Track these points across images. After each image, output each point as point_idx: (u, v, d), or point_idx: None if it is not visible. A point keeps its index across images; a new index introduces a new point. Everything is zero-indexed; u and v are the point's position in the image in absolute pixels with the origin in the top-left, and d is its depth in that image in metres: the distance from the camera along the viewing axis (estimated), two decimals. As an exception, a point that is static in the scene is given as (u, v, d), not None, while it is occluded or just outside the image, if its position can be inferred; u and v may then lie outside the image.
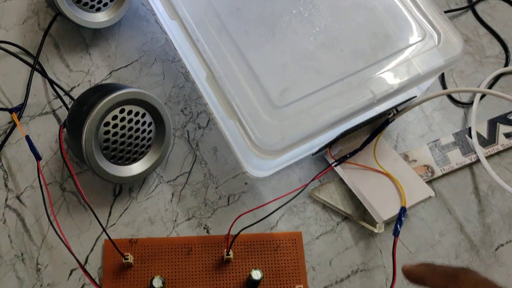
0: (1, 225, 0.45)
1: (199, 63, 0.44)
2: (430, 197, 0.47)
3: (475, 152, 0.52)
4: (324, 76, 0.44)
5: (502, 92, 0.46)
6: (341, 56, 0.45)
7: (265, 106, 0.42)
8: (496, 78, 0.58)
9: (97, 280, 0.44)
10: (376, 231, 0.48)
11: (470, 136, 0.53)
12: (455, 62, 0.46)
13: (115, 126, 0.43)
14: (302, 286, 0.44)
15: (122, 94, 0.43)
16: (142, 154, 0.46)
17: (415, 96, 0.46)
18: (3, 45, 0.50)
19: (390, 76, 0.44)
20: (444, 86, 0.57)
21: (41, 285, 0.43)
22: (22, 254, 0.44)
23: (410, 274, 0.35)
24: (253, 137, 0.41)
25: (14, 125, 0.49)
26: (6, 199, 0.46)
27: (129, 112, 0.44)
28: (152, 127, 0.46)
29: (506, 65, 0.58)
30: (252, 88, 0.42)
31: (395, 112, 0.48)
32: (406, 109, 0.47)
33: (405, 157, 0.51)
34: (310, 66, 0.44)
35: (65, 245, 0.40)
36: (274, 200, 0.46)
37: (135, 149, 0.45)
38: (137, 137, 0.45)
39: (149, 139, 0.46)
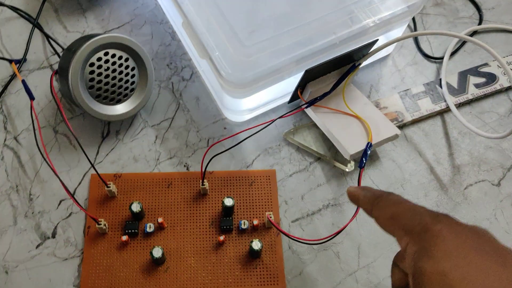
0: (-1, 161, 0.49)
1: (177, 12, 0.48)
2: (396, 135, 0.50)
3: (445, 100, 0.55)
4: (290, 20, 0.47)
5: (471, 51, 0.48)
6: (307, 2, 0.48)
7: (234, 45, 0.46)
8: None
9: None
10: (347, 169, 0.51)
11: (441, 86, 0.55)
12: (417, 9, 0.49)
13: (99, 67, 0.47)
14: (272, 213, 0.47)
15: (106, 37, 0.47)
16: (126, 96, 0.50)
17: (377, 39, 0.49)
18: (7, 8, 0.55)
19: (353, 19, 0.47)
20: (418, 45, 0.59)
21: (32, 212, 0.47)
22: (16, 186, 0.48)
23: (350, 194, 0.38)
24: (223, 72, 0.45)
25: (13, 76, 0.53)
26: (5, 139, 0.50)
27: (113, 56, 0.48)
28: (135, 71, 0.50)
29: (479, 23, 0.61)
30: (223, 29, 0.46)
31: (362, 56, 0.51)
32: (371, 53, 0.50)
33: (377, 104, 0.54)
34: (277, 12, 0.48)
35: (56, 175, 0.44)
36: (246, 130, 0.49)
37: (119, 90, 0.49)
38: (121, 79, 0.49)
39: (132, 82, 0.50)
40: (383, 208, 0.34)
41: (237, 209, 0.48)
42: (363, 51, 0.50)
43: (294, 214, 0.49)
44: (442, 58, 0.58)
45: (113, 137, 0.51)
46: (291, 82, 0.50)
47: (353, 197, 0.38)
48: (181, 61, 0.56)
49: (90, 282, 0.44)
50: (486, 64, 0.57)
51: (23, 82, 0.48)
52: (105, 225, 0.45)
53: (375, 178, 0.51)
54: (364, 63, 0.52)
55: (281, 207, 0.49)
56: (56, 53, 0.54)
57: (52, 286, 0.44)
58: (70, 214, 0.47)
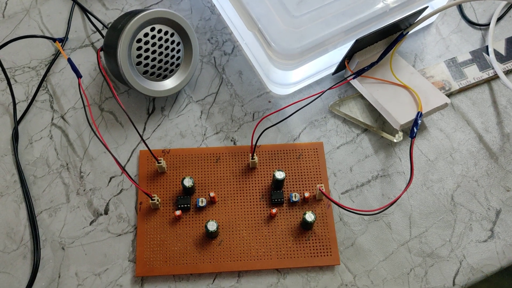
0: (49, 140, 0.50)
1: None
2: (446, 104, 0.49)
3: (493, 68, 0.53)
4: (338, -12, 0.46)
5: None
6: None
7: (283, 16, 0.45)
8: (514, 2, 0.58)
9: (133, 186, 0.48)
10: (395, 140, 0.50)
11: (488, 53, 0.54)
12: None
13: (146, 42, 0.47)
14: (323, 185, 0.47)
15: (152, 12, 0.47)
16: (172, 71, 0.50)
17: (427, 6, 0.48)
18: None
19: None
20: (462, 12, 0.58)
21: (84, 190, 0.48)
22: (67, 164, 0.49)
23: None
24: (272, 43, 0.44)
25: (57, 56, 0.53)
26: (52, 119, 0.51)
27: (159, 31, 0.48)
28: (180, 46, 0.50)
29: (524, -11, 0.59)
30: (270, 0, 0.46)
31: (409, 25, 0.50)
32: (418, 21, 0.49)
33: (422, 73, 0.53)
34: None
35: (107, 149, 0.44)
36: (292, 104, 0.48)
37: (166, 66, 0.49)
38: (167, 55, 0.48)
39: (178, 57, 0.50)
40: None
41: (287, 182, 0.48)
42: (410, 20, 0.49)
43: (343, 186, 0.49)
44: (487, 24, 0.56)
45: (158, 114, 0.51)
46: (337, 54, 0.49)
47: None
48: (222, 35, 0.56)
49: (146, 256, 0.44)
50: (533, 30, 0.56)
51: (69, 60, 0.48)
52: (158, 200, 0.46)
53: (423, 148, 0.51)
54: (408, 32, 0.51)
55: (330, 179, 0.49)
56: (98, 30, 0.54)
57: (107, 261, 0.45)
58: (121, 191, 0.48)
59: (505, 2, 0.57)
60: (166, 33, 0.48)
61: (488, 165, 0.50)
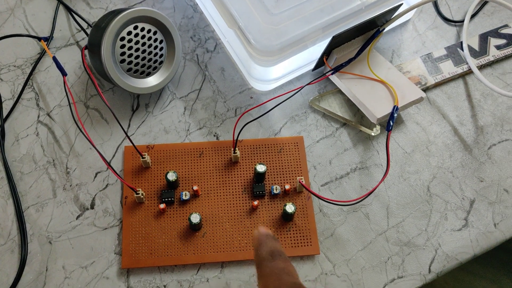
0: (35, 137, 0.51)
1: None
2: (421, 98, 0.51)
3: (467, 63, 0.55)
4: (315, -14, 0.48)
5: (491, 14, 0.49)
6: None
7: (262, 14, 0.47)
8: (485, 2, 0.60)
9: (119, 181, 0.49)
10: (372, 133, 0.52)
11: (462, 49, 0.56)
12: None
13: (130, 40, 0.48)
14: (303, 177, 0.48)
15: (135, 11, 0.48)
16: (155, 69, 0.51)
17: (401, 4, 0.49)
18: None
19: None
20: (437, 9, 0.60)
21: (70, 185, 0.49)
22: (53, 160, 0.50)
23: (253, 238, 0.37)
24: (252, 40, 0.46)
25: (42, 54, 0.54)
26: (38, 116, 0.52)
27: (142, 29, 0.49)
28: (163, 44, 0.51)
29: (497, -14, 0.61)
30: (250, -2, 0.47)
31: (385, 22, 0.51)
32: (394, 17, 0.51)
33: (399, 68, 0.55)
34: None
35: (92, 145, 0.45)
36: (273, 99, 0.50)
37: (149, 63, 0.50)
38: (150, 52, 0.50)
39: (161, 55, 0.51)
40: (264, 275, 0.33)
41: (268, 175, 0.49)
42: (386, 16, 0.50)
43: (323, 178, 0.50)
44: (461, 21, 0.58)
45: (143, 110, 0.53)
46: (316, 50, 0.50)
47: (253, 242, 0.37)
48: (204, 33, 0.57)
49: (131, 249, 0.46)
50: (506, 26, 0.58)
51: (54, 58, 0.49)
52: (142, 194, 0.47)
53: (400, 141, 0.52)
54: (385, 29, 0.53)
55: (310, 172, 0.50)
56: (83, 29, 0.55)
57: (94, 254, 0.46)
58: (106, 186, 0.49)
59: (478, 0, 0.58)
60: (149, 31, 0.49)
61: (462, 157, 0.52)
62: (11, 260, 0.45)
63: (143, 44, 0.49)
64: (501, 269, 0.91)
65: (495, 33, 0.57)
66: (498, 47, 0.56)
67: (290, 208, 0.46)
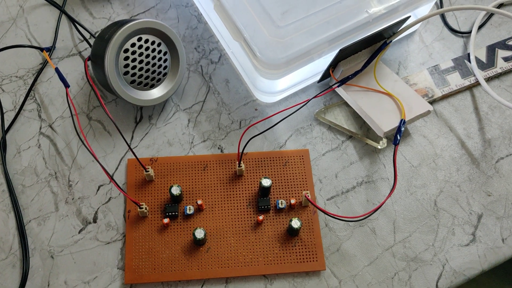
0: (37, 149, 0.50)
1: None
2: (429, 111, 0.50)
3: (474, 75, 0.55)
4: (322, -1, 0.47)
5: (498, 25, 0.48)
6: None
7: (268, 26, 0.46)
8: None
9: (122, 194, 0.48)
10: (379, 147, 0.51)
11: (469, 61, 0.55)
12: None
13: (133, 52, 0.48)
14: (309, 191, 0.48)
15: (139, 22, 0.47)
16: (159, 81, 0.50)
17: (409, 16, 0.49)
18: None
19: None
20: (444, 20, 0.59)
21: (72, 198, 0.48)
22: (55, 173, 0.49)
23: None
24: (258, 53, 0.45)
25: (44, 65, 0.54)
26: (40, 128, 0.51)
27: (146, 41, 0.48)
28: (167, 56, 0.50)
29: (505, -4, 0.61)
30: (255, 10, 0.46)
31: (392, 34, 0.51)
32: (403, 29, 0.50)
33: (406, 81, 0.54)
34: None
35: (95, 158, 0.45)
36: (279, 112, 0.49)
37: (153, 75, 0.49)
38: (154, 64, 0.49)
39: (165, 67, 0.50)
40: None
41: (273, 189, 0.49)
42: (394, 29, 0.50)
43: (329, 192, 0.50)
44: (469, 32, 0.58)
45: (146, 122, 0.52)
46: (322, 62, 0.50)
47: None
48: (209, 43, 0.56)
49: (134, 264, 0.45)
50: (513, 37, 0.57)
51: (57, 70, 0.49)
52: (146, 208, 0.46)
53: (407, 155, 0.52)
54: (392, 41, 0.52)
55: (315, 186, 0.50)
56: (85, 40, 0.55)
57: (97, 269, 0.45)
58: (109, 199, 0.48)
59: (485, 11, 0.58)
60: (153, 43, 0.49)
61: (470, 171, 0.51)
62: (13, 275, 0.45)
63: (147, 56, 0.48)
64: (506, 278, 0.90)
65: (503, 44, 0.57)
66: (506, 59, 0.56)
67: (296, 223, 0.45)
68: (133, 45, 0.47)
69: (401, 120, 0.49)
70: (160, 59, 0.49)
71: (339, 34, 0.46)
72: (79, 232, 0.47)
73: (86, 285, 0.45)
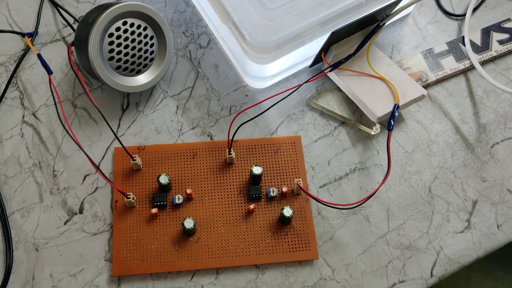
0: (19, 138, 0.48)
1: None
2: (423, 96, 0.49)
3: (469, 58, 0.53)
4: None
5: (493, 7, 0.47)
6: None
7: (257, 9, 0.44)
8: (490, -9, 0.58)
9: (108, 184, 0.47)
10: (372, 132, 0.50)
11: (464, 44, 0.54)
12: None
13: (118, 37, 0.46)
14: (301, 179, 0.46)
15: (124, 6, 0.45)
16: (146, 66, 0.49)
17: (403, -3, 0.47)
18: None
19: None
20: (438, 2, 0.58)
21: (57, 189, 0.47)
22: (39, 163, 0.48)
23: None
24: (247, 37, 0.43)
25: (27, 51, 0.52)
26: (23, 116, 0.49)
27: (132, 25, 0.46)
28: (154, 40, 0.48)
29: (499, -22, 0.59)
30: (244, -8, 0.45)
31: (385, 16, 0.49)
32: (395, 12, 0.49)
33: (399, 64, 0.53)
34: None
35: (80, 148, 0.43)
36: (269, 98, 0.48)
37: (139, 60, 0.48)
38: (140, 49, 0.47)
39: (152, 52, 0.48)
40: None
41: (264, 176, 0.47)
42: (387, 11, 0.48)
43: (321, 179, 0.48)
44: (463, 15, 0.56)
45: (133, 109, 0.50)
46: (313, 46, 0.49)
47: None
48: (197, 28, 0.55)
49: (122, 256, 0.44)
50: (509, 20, 0.56)
51: (39, 56, 0.47)
52: (133, 198, 0.45)
53: (401, 140, 0.51)
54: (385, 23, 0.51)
55: (308, 173, 0.48)
56: (69, 24, 0.53)
57: (83, 261, 0.44)
58: (96, 189, 0.47)
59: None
60: (138, 26, 0.47)
61: (464, 156, 0.50)
62: (-4, 268, 0.43)
63: (133, 40, 0.47)
64: (497, 262, 0.90)
65: (498, 27, 0.55)
66: (501, 42, 0.55)
67: (288, 211, 0.44)
68: (118, 29, 0.46)
69: (395, 105, 0.47)
70: (146, 43, 0.48)
71: (331, 17, 0.45)
72: (65, 224, 0.46)
73: (72, 278, 0.44)
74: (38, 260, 0.44)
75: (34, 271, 0.44)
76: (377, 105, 0.48)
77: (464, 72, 0.54)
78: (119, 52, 0.46)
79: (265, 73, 0.49)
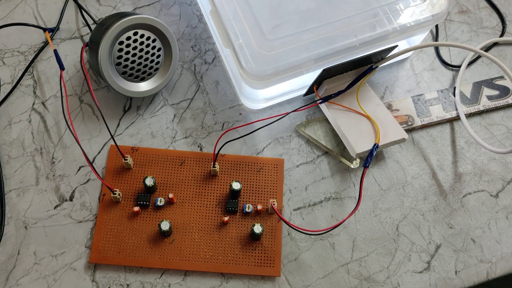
0: (27, 124, 0.53)
1: (207, 1, 0.50)
2: (404, 139, 0.52)
3: (456, 109, 0.56)
4: (313, 18, 0.49)
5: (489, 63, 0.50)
6: (333, 2, 0.50)
7: (258, 38, 0.48)
8: (489, 48, 0.61)
9: (100, 177, 0.51)
10: (352, 166, 0.53)
11: (454, 94, 0.57)
12: (441, 18, 0.51)
13: (128, 45, 0.50)
14: (276, 200, 0.50)
15: (137, 18, 0.49)
16: (150, 75, 0.53)
17: (397, 45, 0.50)
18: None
19: (376, 23, 0.49)
20: (437, 51, 0.61)
21: (53, 175, 0.51)
22: (41, 149, 0.52)
23: None
24: (243, 63, 0.47)
25: (46, 44, 0.56)
26: (33, 103, 0.54)
27: (142, 36, 0.50)
28: (161, 52, 0.52)
29: (501, 35, 0.62)
30: (248, 21, 0.48)
31: (380, 59, 0.52)
32: (389, 57, 0.52)
33: (389, 105, 0.56)
34: (302, 8, 0.50)
35: (77, 143, 0.47)
36: (261, 120, 0.51)
37: (144, 69, 0.52)
38: (147, 59, 0.51)
39: (157, 62, 0.52)
40: None
41: (244, 192, 0.51)
42: (382, 55, 0.51)
43: (296, 203, 0.52)
44: (459, 66, 0.59)
45: (133, 112, 0.54)
46: (309, 77, 0.52)
47: None
48: (206, 44, 0.58)
49: (101, 245, 0.47)
50: (502, 77, 0.58)
51: (55, 52, 0.51)
52: (119, 194, 0.49)
53: (377, 177, 0.53)
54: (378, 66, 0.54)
55: (285, 195, 0.52)
56: (88, 25, 0.57)
57: (66, 245, 0.48)
58: (87, 180, 0.51)
59: (480, 46, 0.59)
60: (148, 38, 0.51)
61: (436, 201, 0.53)
62: (-14, 239, 0.47)
63: (141, 50, 0.50)
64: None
65: (490, 83, 0.58)
66: (490, 98, 0.57)
67: (258, 228, 0.47)
68: (128, 38, 0.50)
69: (375, 144, 0.50)
70: (153, 54, 0.52)
71: (325, 54, 0.48)
72: (55, 208, 0.49)
73: (53, 258, 0.47)
74: (25, 237, 0.48)
75: (20, 247, 0.48)
76: (358, 141, 0.51)
77: (450, 121, 0.57)
78: (126, 59, 0.50)
79: (259, 96, 0.53)
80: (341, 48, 0.49)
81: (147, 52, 0.51)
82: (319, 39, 0.49)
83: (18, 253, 0.47)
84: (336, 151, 0.54)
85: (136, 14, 0.50)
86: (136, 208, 0.48)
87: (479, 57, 0.60)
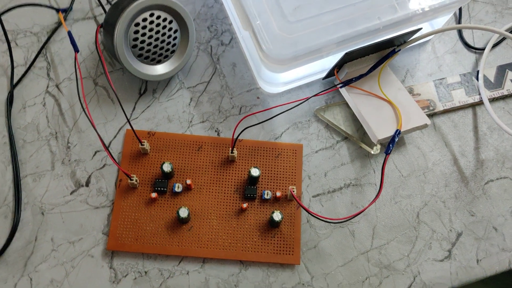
0: (41, 107, 0.52)
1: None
2: (426, 125, 0.50)
3: (479, 94, 0.55)
4: (336, -1, 0.47)
5: None
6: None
7: (278, 20, 0.46)
8: (514, 29, 0.59)
9: (116, 162, 0.50)
10: (372, 152, 0.52)
11: (477, 78, 0.55)
12: (466, 0, 0.49)
13: (144, 27, 0.48)
14: (295, 186, 0.49)
15: (153, -2, 0.48)
16: (166, 57, 0.51)
17: (421, 28, 0.49)
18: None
19: (399, 5, 0.47)
20: (460, 33, 0.59)
21: (69, 160, 0.50)
22: (56, 133, 0.51)
23: None
24: (264, 46, 0.45)
25: (59, 25, 0.55)
26: (48, 86, 0.53)
27: (158, 17, 0.49)
28: (177, 34, 0.51)
29: (526, 17, 0.60)
30: (268, 1, 0.47)
31: (403, 42, 0.51)
32: (412, 40, 0.50)
33: (410, 90, 0.55)
34: (324, -12, 0.48)
35: (93, 127, 0.46)
36: (280, 105, 0.50)
37: (160, 51, 0.50)
38: (163, 41, 0.50)
39: (174, 44, 0.51)
40: None
41: (262, 179, 0.50)
42: (405, 38, 0.50)
43: (315, 189, 0.51)
44: (482, 49, 0.57)
45: (149, 95, 0.53)
46: (329, 60, 0.50)
47: None
48: (222, 24, 0.57)
49: (118, 232, 0.47)
50: (527, 61, 0.57)
51: (69, 33, 0.50)
52: (136, 180, 0.48)
53: (398, 163, 0.52)
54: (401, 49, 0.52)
55: (304, 182, 0.51)
56: (101, 5, 0.55)
57: (83, 231, 0.48)
58: (104, 166, 0.50)
59: (505, 28, 0.57)
60: (164, 19, 0.49)
61: (458, 188, 0.52)
62: (4, 225, 0.47)
63: (157, 32, 0.49)
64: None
65: (514, 66, 0.56)
66: (515, 82, 0.55)
67: (277, 216, 0.46)
68: (144, 19, 0.48)
69: (397, 130, 0.49)
70: (169, 36, 0.50)
71: (348, 37, 0.47)
72: (71, 194, 0.49)
73: (71, 245, 0.47)
74: (42, 224, 0.48)
75: (37, 233, 0.47)
76: (379, 127, 0.50)
77: (472, 106, 0.55)
78: (142, 41, 0.49)
79: (278, 80, 0.51)
80: (364, 31, 0.47)
81: (164, 34, 0.49)
82: (341, 21, 0.47)
83: (35, 240, 0.47)
84: (356, 136, 0.52)
85: (152, -6, 0.48)
86: (154, 195, 0.48)
87: (503, 39, 0.58)
